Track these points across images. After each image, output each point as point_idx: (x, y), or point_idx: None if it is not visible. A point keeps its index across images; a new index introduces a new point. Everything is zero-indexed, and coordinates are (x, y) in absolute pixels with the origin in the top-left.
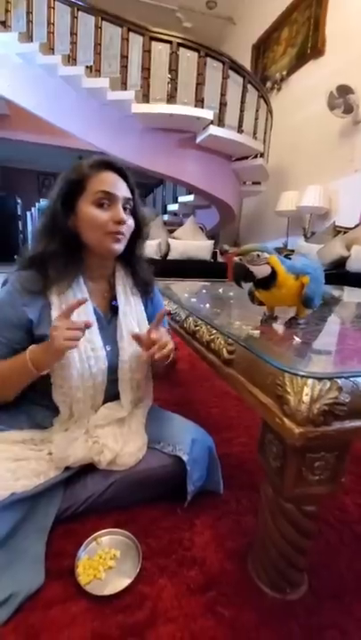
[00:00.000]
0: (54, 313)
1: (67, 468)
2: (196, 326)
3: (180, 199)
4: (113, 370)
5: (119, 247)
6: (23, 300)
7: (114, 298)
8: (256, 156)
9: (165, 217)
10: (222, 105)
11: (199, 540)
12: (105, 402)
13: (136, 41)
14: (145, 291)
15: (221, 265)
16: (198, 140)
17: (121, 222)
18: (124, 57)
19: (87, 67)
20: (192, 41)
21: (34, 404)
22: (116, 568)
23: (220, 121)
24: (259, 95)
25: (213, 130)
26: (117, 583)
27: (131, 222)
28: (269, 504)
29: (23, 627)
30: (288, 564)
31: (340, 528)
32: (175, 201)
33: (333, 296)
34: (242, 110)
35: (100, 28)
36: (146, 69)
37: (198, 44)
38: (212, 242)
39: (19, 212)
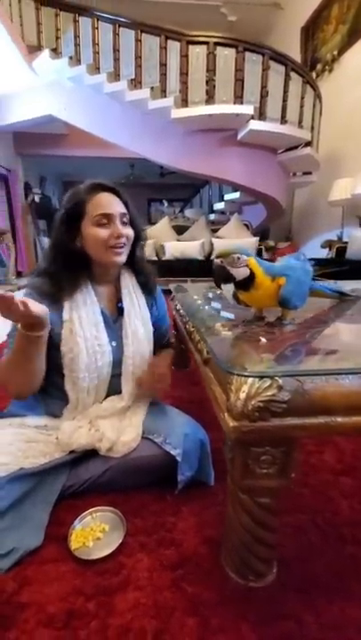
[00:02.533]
0: (65, 314)
1: (71, 452)
2: (192, 328)
3: (227, 197)
4: (117, 364)
5: (121, 259)
6: (45, 303)
7: (120, 300)
8: (303, 146)
9: (212, 216)
10: (263, 98)
11: (182, 525)
12: (108, 396)
13: (173, 47)
14: (148, 290)
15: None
16: (239, 136)
17: (120, 236)
18: (163, 65)
19: (130, 80)
20: (229, 37)
21: (51, 397)
22: (103, 539)
23: (261, 114)
24: (304, 81)
25: (254, 124)
26: (101, 552)
27: (129, 231)
28: (230, 494)
29: (20, 576)
30: (250, 553)
31: (327, 529)
32: (222, 199)
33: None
34: (285, 100)
35: (140, 40)
36: (184, 74)
37: (236, 39)
38: (257, 239)
39: None
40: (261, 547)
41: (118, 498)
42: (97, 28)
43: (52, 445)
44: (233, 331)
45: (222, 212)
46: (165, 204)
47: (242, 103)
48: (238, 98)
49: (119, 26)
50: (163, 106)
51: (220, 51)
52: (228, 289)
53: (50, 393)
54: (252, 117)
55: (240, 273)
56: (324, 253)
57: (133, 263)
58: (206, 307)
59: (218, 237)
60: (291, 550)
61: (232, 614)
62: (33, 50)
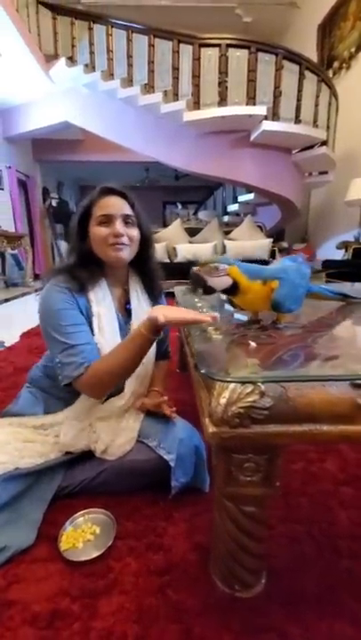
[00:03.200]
0: (94, 308)
1: (67, 453)
2: (187, 331)
3: (240, 198)
4: None
5: (122, 255)
6: (73, 295)
7: (128, 302)
8: (319, 145)
9: (226, 218)
10: (276, 98)
11: (172, 530)
12: (111, 395)
13: (186, 51)
14: (153, 295)
15: None
16: (252, 137)
17: (118, 235)
18: (176, 69)
19: (143, 85)
20: (241, 39)
21: (51, 396)
22: (94, 541)
23: (274, 115)
24: (319, 80)
25: (267, 125)
26: (90, 554)
27: (132, 232)
28: (216, 501)
29: (10, 574)
30: (236, 562)
31: (322, 541)
32: (235, 201)
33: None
34: (299, 99)
35: (153, 45)
36: (196, 77)
37: (248, 40)
38: (270, 240)
39: None
40: (248, 556)
41: (112, 500)
42: (111, 35)
43: (48, 446)
44: (225, 334)
45: (237, 214)
46: (179, 206)
47: (255, 104)
48: (251, 99)
49: (132, 32)
50: (175, 109)
51: (232, 52)
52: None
53: (50, 393)
54: (266, 118)
55: (220, 283)
56: (340, 255)
57: (141, 265)
58: (205, 309)
59: (231, 239)
60: (282, 561)
61: (215, 624)
62: (50, 59)
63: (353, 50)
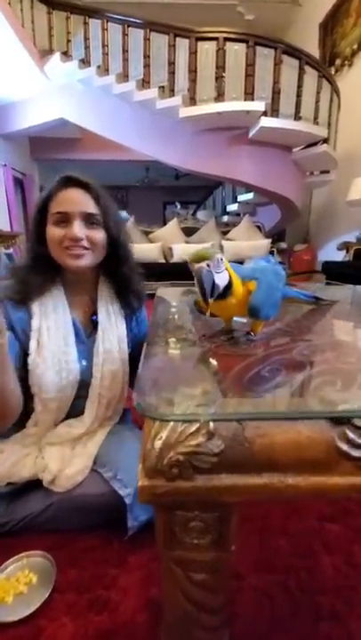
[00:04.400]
0: (34, 322)
1: (10, 484)
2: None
3: (240, 198)
4: (85, 385)
5: (78, 262)
6: (11, 311)
7: (95, 312)
8: (319, 143)
9: (225, 218)
10: (275, 94)
11: (124, 581)
12: (67, 418)
13: (182, 45)
14: (130, 306)
15: (280, 264)
16: (251, 134)
17: (74, 239)
18: (172, 63)
19: (138, 80)
20: (239, 32)
21: None
22: (27, 594)
23: (273, 111)
24: (320, 75)
25: (265, 121)
26: (19, 612)
27: (93, 234)
28: (161, 560)
29: None
30: (187, 636)
31: (299, 597)
32: (235, 200)
33: None
34: (298, 95)
35: (149, 39)
36: (192, 72)
37: (246, 34)
38: (269, 241)
39: None
40: (201, 630)
41: (58, 540)
42: (106, 30)
43: None
44: (186, 348)
45: (237, 214)
46: (178, 206)
47: (253, 100)
48: (249, 94)
49: (128, 26)
50: (171, 105)
51: (230, 46)
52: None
53: None
54: (264, 114)
55: (224, 279)
56: (341, 256)
57: (113, 271)
58: (177, 316)
59: (228, 239)
60: (249, 623)
61: None
62: (44, 54)
63: (355, 47)
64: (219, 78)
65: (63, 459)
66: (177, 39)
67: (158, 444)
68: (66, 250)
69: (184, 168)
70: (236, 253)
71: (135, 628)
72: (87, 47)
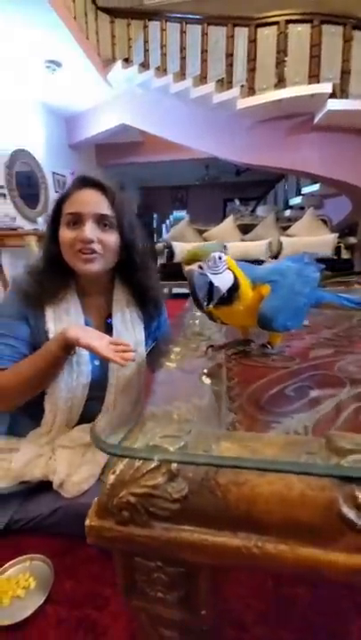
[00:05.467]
0: (49, 325)
1: (23, 482)
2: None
3: (304, 190)
4: (99, 387)
5: (90, 267)
6: (24, 304)
7: (110, 315)
8: None
9: (287, 212)
10: (344, 73)
11: (116, 604)
12: (84, 421)
13: (241, 34)
14: (147, 313)
15: (347, 261)
16: (316, 120)
17: (85, 241)
18: (230, 55)
19: (195, 77)
20: (302, 13)
21: (19, 412)
22: (23, 599)
23: (342, 92)
24: None
25: (333, 104)
26: (12, 616)
27: (106, 237)
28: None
29: None
30: None
31: None
32: (299, 193)
33: None
34: None
35: (207, 34)
36: (252, 60)
37: (310, 13)
38: (335, 235)
39: (154, 226)
40: None
41: (63, 545)
42: (165, 30)
43: (0, 471)
44: (185, 361)
45: (301, 208)
46: (237, 202)
47: (318, 82)
48: (314, 77)
49: (186, 23)
50: (228, 98)
51: (292, 29)
52: None
53: (22, 410)
54: (332, 96)
55: (226, 280)
56: None
57: (129, 275)
58: (197, 321)
59: (288, 235)
60: None
61: None
62: (108, 63)
63: None
64: (280, 63)
65: (72, 464)
66: (235, 29)
67: (111, 478)
68: (78, 253)
69: (242, 162)
70: (295, 250)
71: None
72: (147, 50)
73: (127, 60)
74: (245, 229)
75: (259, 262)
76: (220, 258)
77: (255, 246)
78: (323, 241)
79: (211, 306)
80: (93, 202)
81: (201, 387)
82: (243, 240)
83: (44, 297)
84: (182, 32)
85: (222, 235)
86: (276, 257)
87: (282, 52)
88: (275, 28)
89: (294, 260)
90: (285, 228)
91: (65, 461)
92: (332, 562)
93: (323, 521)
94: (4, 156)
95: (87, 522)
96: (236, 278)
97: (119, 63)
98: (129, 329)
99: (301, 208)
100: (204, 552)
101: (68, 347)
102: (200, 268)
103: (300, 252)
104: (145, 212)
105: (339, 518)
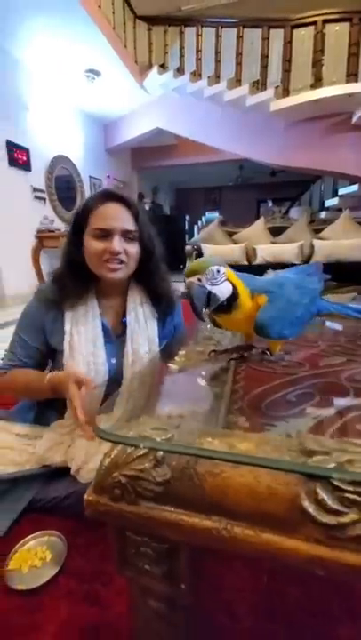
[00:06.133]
0: (67, 326)
1: (45, 466)
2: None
3: (341, 191)
4: (116, 382)
5: (115, 275)
6: (44, 310)
7: (125, 314)
8: None
9: (323, 214)
10: None
11: (120, 582)
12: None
13: (276, 36)
14: (162, 311)
15: None
16: (354, 119)
17: (115, 253)
18: (265, 57)
19: (229, 80)
20: (340, 12)
21: (45, 404)
22: (39, 569)
23: None
24: None
25: None
26: (29, 583)
27: (130, 248)
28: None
29: None
30: None
31: None
32: (336, 194)
33: None
34: None
35: (242, 37)
36: (287, 61)
37: (349, 11)
38: None
39: (186, 228)
40: None
41: (78, 526)
42: (200, 35)
43: (25, 455)
44: (189, 363)
45: (338, 209)
46: (270, 203)
47: (356, 81)
48: (352, 75)
49: (222, 27)
50: (262, 100)
51: (329, 28)
52: None
53: (48, 403)
54: None
55: (224, 290)
56: None
57: (145, 279)
58: (209, 325)
59: (321, 239)
60: None
61: None
62: (144, 70)
63: None
64: (316, 63)
65: (88, 453)
66: (271, 31)
67: (107, 461)
68: (105, 263)
69: (276, 165)
70: (328, 255)
71: (116, 633)
72: (182, 56)
73: (163, 66)
74: (277, 231)
75: (288, 266)
76: (218, 271)
77: (286, 249)
78: (358, 244)
79: (206, 311)
80: (121, 217)
81: (203, 388)
82: (273, 242)
83: (64, 301)
84: (218, 36)
85: (253, 237)
86: (307, 261)
87: (319, 51)
88: (312, 28)
89: (299, 270)
90: (319, 231)
91: (82, 450)
92: (290, 548)
93: (286, 512)
94: (45, 161)
95: (86, 496)
96: (234, 289)
97: (155, 69)
98: (142, 326)
99: (339, 210)
100: (181, 530)
101: (59, 389)
102: (199, 280)
103: (333, 256)
104: (177, 213)
105: (300, 511)
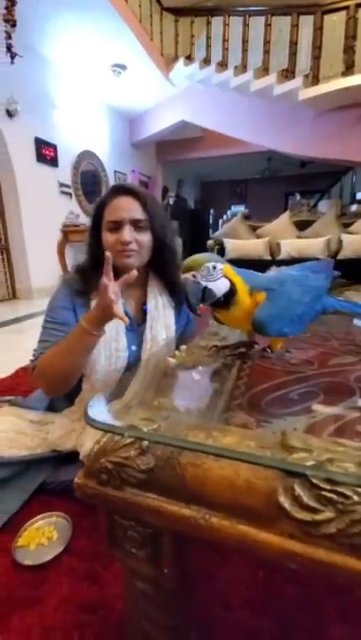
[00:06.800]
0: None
1: (55, 450)
2: None
3: None
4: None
5: (130, 262)
6: (73, 299)
7: (145, 302)
8: None
9: (354, 207)
10: None
11: (119, 566)
12: None
13: (306, 23)
14: (179, 299)
15: None
16: None
17: (125, 243)
18: (294, 44)
19: (256, 69)
20: None
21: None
22: (46, 547)
23: None
24: None
25: None
26: (35, 559)
27: (141, 237)
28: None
29: None
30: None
31: None
32: None
33: None
34: None
35: (270, 24)
36: (317, 48)
37: None
38: None
39: (210, 222)
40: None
41: (84, 509)
42: (228, 25)
43: (37, 440)
44: (189, 358)
45: None
46: (298, 196)
47: None
48: None
49: (249, 16)
50: (290, 89)
51: None
52: None
53: None
54: None
55: (220, 286)
56: None
57: (161, 269)
58: (211, 320)
59: (350, 233)
60: None
61: None
62: (170, 62)
63: None
64: (348, 50)
65: (95, 439)
66: (301, 17)
67: (96, 447)
68: (118, 253)
69: (305, 156)
70: (357, 250)
71: (113, 612)
72: (209, 46)
73: (189, 58)
74: (303, 225)
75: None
76: (214, 267)
77: (311, 244)
78: None
79: (201, 306)
80: (129, 208)
81: (202, 383)
82: (299, 237)
83: (89, 290)
84: (245, 25)
85: (276, 231)
86: (334, 256)
87: (351, 37)
88: (343, 13)
89: (305, 267)
90: (348, 225)
91: (92, 437)
92: (264, 541)
93: (263, 506)
94: (71, 157)
95: (76, 479)
96: (233, 285)
97: (181, 61)
98: (160, 314)
99: None
100: (162, 517)
101: (100, 322)
102: (193, 276)
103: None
104: (202, 207)
105: (276, 506)
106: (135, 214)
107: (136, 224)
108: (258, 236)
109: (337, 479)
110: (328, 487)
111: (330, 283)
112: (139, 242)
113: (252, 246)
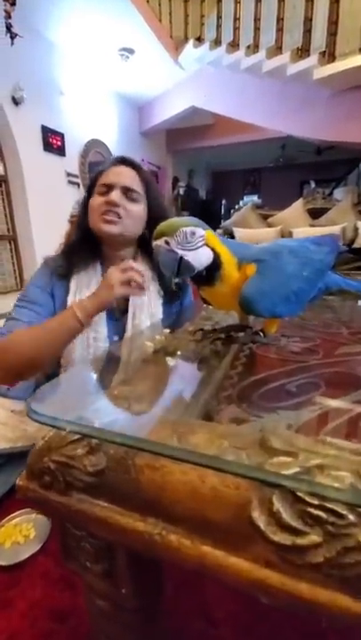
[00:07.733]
0: (70, 298)
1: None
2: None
3: None
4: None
5: (110, 228)
6: (52, 280)
7: None
8: None
9: None
10: None
11: None
12: None
13: None
14: (170, 293)
15: None
16: None
17: (111, 203)
18: (309, 20)
19: (268, 48)
20: None
21: (42, 382)
22: (21, 546)
23: None
24: None
25: None
26: (9, 559)
27: (133, 207)
28: None
29: None
30: None
31: None
32: None
33: None
34: None
35: (283, 1)
36: (333, 24)
37: None
38: None
39: (222, 212)
40: None
41: None
42: (239, 3)
43: (18, 432)
44: (171, 343)
45: None
46: (313, 184)
47: None
48: None
49: None
50: (304, 67)
51: None
52: None
53: (45, 381)
54: None
55: (201, 257)
56: None
57: (151, 251)
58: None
59: None
60: None
61: None
62: (180, 44)
63: None
64: None
65: None
66: None
67: (40, 443)
68: (101, 215)
69: (320, 139)
70: None
71: (84, 620)
72: (219, 26)
73: (199, 39)
74: (317, 214)
75: None
76: (193, 233)
77: (326, 232)
78: None
79: (177, 280)
80: (125, 175)
81: (183, 370)
82: (312, 225)
83: (70, 269)
84: (257, 2)
85: (289, 220)
86: (350, 244)
87: None
88: None
89: (307, 239)
90: None
91: None
92: (233, 567)
93: (232, 522)
94: (79, 145)
95: (17, 480)
96: (217, 256)
97: (191, 43)
98: (145, 303)
99: None
100: (109, 529)
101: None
102: (166, 243)
103: None
104: (214, 197)
105: (248, 523)
106: (128, 182)
107: (128, 191)
108: (269, 225)
109: (326, 494)
110: (316, 502)
111: (334, 258)
112: (127, 209)
113: (263, 235)
